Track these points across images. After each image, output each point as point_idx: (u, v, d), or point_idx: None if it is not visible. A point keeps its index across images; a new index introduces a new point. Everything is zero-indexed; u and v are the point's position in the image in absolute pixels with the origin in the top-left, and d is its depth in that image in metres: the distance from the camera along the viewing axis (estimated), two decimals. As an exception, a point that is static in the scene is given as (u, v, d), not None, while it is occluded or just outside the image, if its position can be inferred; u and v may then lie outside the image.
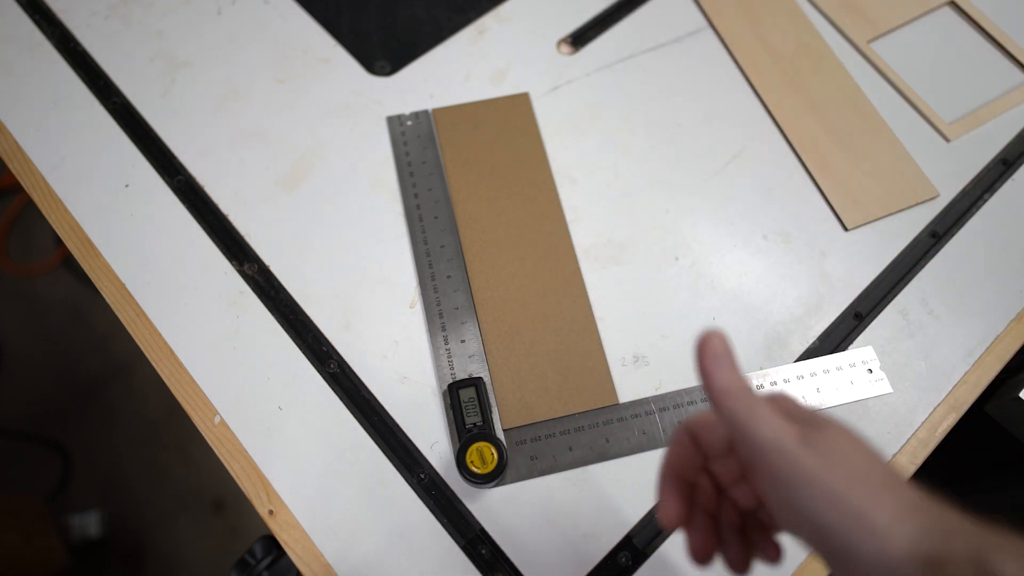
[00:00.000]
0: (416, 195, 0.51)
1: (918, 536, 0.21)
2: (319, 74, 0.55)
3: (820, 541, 0.23)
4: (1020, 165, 0.53)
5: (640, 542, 0.41)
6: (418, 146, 0.52)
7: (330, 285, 0.48)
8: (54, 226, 0.50)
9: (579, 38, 0.57)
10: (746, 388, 0.26)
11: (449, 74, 0.55)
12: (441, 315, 0.46)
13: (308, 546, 0.41)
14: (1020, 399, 0.49)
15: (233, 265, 0.48)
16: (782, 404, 0.27)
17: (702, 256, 0.49)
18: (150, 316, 0.46)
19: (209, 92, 0.54)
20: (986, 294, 0.48)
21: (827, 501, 0.23)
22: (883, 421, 0.44)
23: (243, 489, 0.42)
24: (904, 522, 0.22)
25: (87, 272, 0.48)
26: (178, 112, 0.53)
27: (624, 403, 0.44)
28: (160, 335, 0.46)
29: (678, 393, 0.44)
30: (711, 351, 0.26)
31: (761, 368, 0.46)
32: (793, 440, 0.24)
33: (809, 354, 0.46)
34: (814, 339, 0.47)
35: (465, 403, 0.43)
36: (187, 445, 1.16)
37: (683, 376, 0.45)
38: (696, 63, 0.56)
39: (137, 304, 0.47)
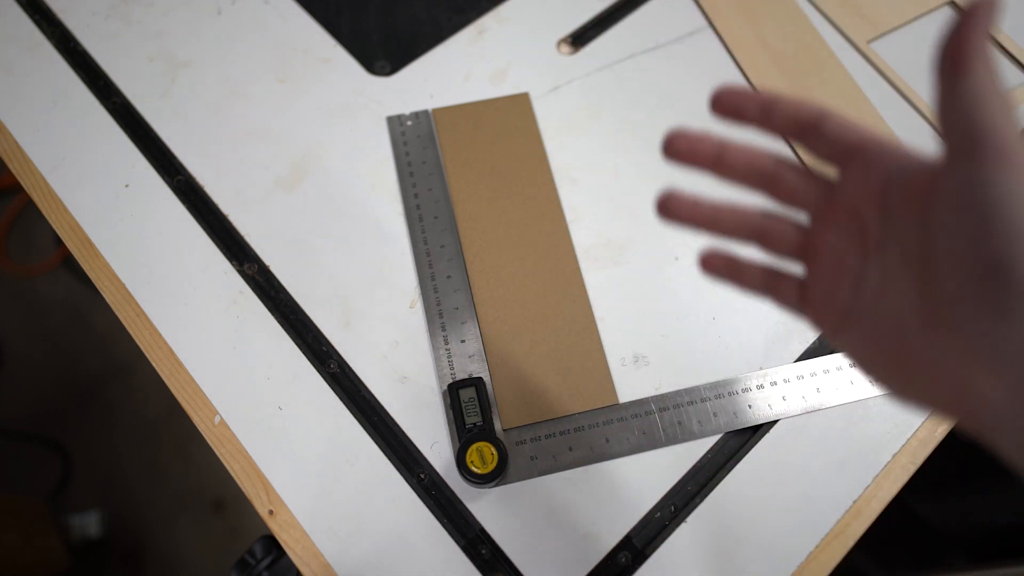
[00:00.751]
0: (416, 195, 0.51)
1: None
2: (319, 74, 0.55)
3: (993, 267, 0.19)
4: (1020, 165, 0.53)
5: (640, 542, 0.41)
6: (418, 146, 0.52)
7: (330, 285, 0.48)
8: (54, 226, 0.50)
9: (579, 38, 0.57)
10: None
11: (449, 74, 0.55)
12: (441, 315, 0.46)
13: (308, 546, 0.41)
14: (1020, 399, 0.49)
15: (233, 265, 0.48)
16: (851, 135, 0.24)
17: (702, 256, 0.49)
18: (150, 316, 0.46)
19: (209, 92, 0.54)
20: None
21: None
22: (883, 421, 0.44)
23: (243, 489, 0.42)
24: None
25: (87, 272, 0.48)
26: (178, 112, 0.53)
27: (624, 403, 0.44)
28: (160, 335, 0.46)
29: (678, 393, 0.44)
30: (985, 16, 0.20)
31: (761, 368, 0.46)
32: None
33: (809, 354, 0.46)
34: (814, 339, 0.47)
35: (465, 403, 0.43)
36: (187, 445, 1.16)
37: (683, 376, 0.45)
38: (696, 63, 0.56)
39: (137, 304, 0.47)
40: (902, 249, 0.23)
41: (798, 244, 0.27)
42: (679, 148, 0.28)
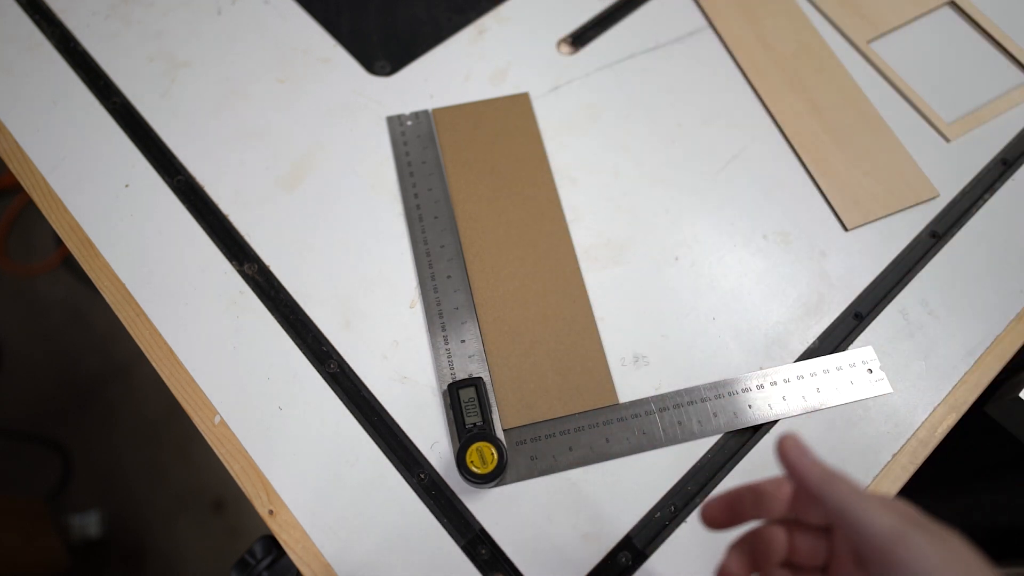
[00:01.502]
0: (416, 195, 0.51)
1: None
2: (319, 74, 0.55)
3: None
4: (1020, 165, 0.53)
5: (640, 542, 0.41)
6: (418, 146, 0.52)
7: (330, 285, 0.48)
8: (54, 226, 0.50)
9: (579, 38, 0.57)
10: (840, 472, 0.26)
11: (449, 74, 0.55)
12: (441, 315, 0.46)
13: (308, 546, 0.41)
14: (1020, 399, 0.49)
15: (233, 265, 0.48)
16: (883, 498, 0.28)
17: (702, 256, 0.49)
18: (150, 316, 0.46)
19: (209, 92, 0.54)
20: (986, 294, 0.48)
21: None
22: (883, 421, 0.44)
23: (243, 489, 0.42)
24: None
25: (87, 272, 0.48)
26: (178, 112, 0.53)
27: (624, 403, 0.44)
28: (160, 335, 0.46)
29: (678, 393, 0.44)
30: (795, 445, 0.27)
31: (761, 368, 0.46)
32: (912, 528, 0.24)
33: (809, 354, 0.46)
34: (814, 339, 0.47)
35: (465, 403, 0.43)
36: (187, 445, 1.16)
37: (683, 376, 0.45)
38: (696, 63, 0.56)
39: (137, 304, 0.47)
40: None
41: (823, 557, 0.29)
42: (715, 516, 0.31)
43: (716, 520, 0.31)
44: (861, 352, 0.46)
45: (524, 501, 0.42)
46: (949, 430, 0.44)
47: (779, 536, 0.29)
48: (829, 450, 0.43)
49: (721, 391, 0.44)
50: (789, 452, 0.27)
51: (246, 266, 0.48)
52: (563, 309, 0.47)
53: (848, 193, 0.51)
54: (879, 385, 0.45)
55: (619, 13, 0.58)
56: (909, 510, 0.26)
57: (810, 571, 0.29)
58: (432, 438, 0.43)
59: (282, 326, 0.46)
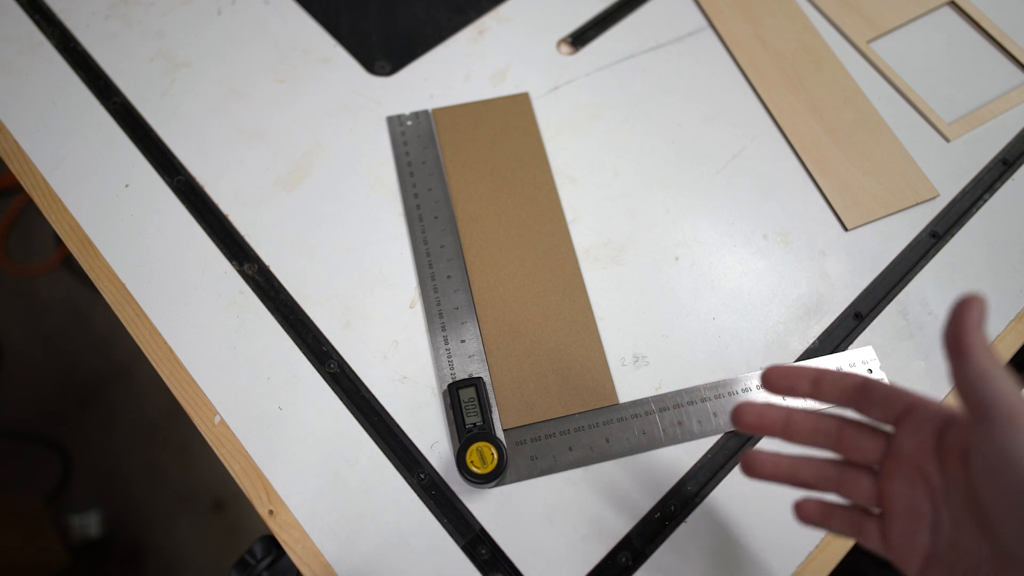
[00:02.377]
0: (416, 195, 0.51)
1: None
2: (319, 74, 0.55)
3: None
4: (1020, 165, 0.53)
5: (640, 542, 0.41)
6: (418, 146, 0.52)
7: (330, 285, 0.48)
8: (54, 226, 0.50)
9: (579, 38, 0.57)
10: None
11: (449, 74, 0.55)
12: (441, 315, 0.46)
13: (308, 546, 0.41)
14: (1020, 399, 0.49)
15: (233, 265, 0.48)
16: (898, 399, 0.28)
17: (702, 256, 0.49)
18: (150, 316, 0.46)
19: (209, 92, 0.54)
20: (986, 294, 0.48)
21: None
22: (883, 421, 0.44)
23: (243, 489, 0.42)
24: None
25: (87, 272, 0.48)
26: (178, 112, 0.53)
27: (624, 403, 0.44)
28: (160, 335, 0.46)
29: (678, 393, 0.44)
30: (976, 312, 0.25)
31: (761, 368, 0.46)
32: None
33: (809, 354, 0.46)
34: (814, 339, 0.47)
35: (465, 403, 0.43)
36: (187, 445, 1.16)
37: (683, 376, 0.45)
38: (696, 63, 0.56)
39: (137, 304, 0.47)
40: (963, 499, 0.25)
41: (874, 493, 0.29)
42: (748, 421, 0.31)
43: (774, 383, 0.30)
44: (861, 352, 0.46)
45: (524, 501, 0.42)
46: None
47: (812, 466, 0.30)
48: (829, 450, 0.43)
49: (721, 391, 0.44)
50: (966, 310, 0.25)
51: (246, 266, 0.48)
52: (563, 309, 0.47)
53: (848, 193, 0.51)
54: (879, 385, 0.45)
55: (619, 13, 0.58)
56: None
57: (860, 468, 0.29)
58: (432, 438, 0.43)
59: (282, 326, 0.46)
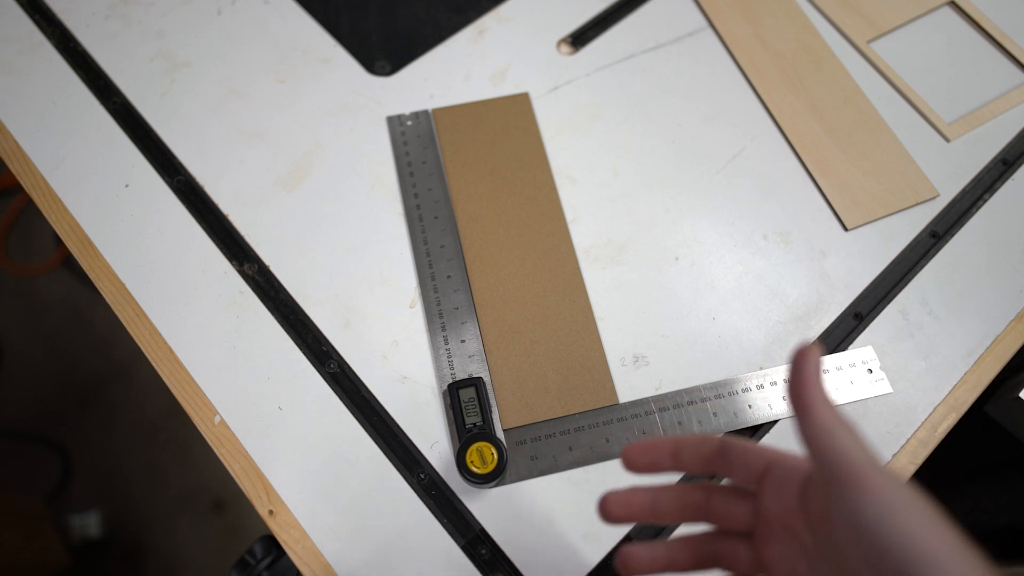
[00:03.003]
0: (416, 195, 0.51)
1: None
2: (319, 74, 0.55)
3: (887, 569, 0.22)
4: (1020, 165, 0.53)
5: (640, 542, 0.41)
6: (418, 146, 0.52)
7: (330, 285, 0.48)
8: (54, 226, 0.50)
9: (579, 38, 0.57)
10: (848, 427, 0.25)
11: (449, 74, 0.55)
12: (441, 315, 0.46)
13: (308, 546, 0.41)
14: (1020, 399, 0.49)
15: (233, 265, 0.48)
16: (754, 457, 0.27)
17: (702, 256, 0.49)
18: (150, 316, 0.46)
19: (209, 92, 0.54)
20: (986, 294, 0.48)
21: (925, 529, 0.22)
22: (883, 421, 0.44)
23: (243, 489, 0.42)
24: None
25: (87, 272, 0.48)
26: (178, 112, 0.53)
27: (624, 403, 0.44)
28: (160, 335, 0.46)
29: (678, 393, 0.44)
30: (812, 363, 0.25)
31: (761, 368, 0.46)
32: (878, 463, 0.23)
33: (809, 354, 0.46)
34: (814, 339, 0.47)
35: (465, 403, 0.43)
36: (187, 445, 1.16)
37: (683, 376, 0.45)
38: (696, 63, 0.56)
39: (137, 304, 0.47)
40: (834, 559, 0.24)
41: (752, 560, 0.28)
42: (615, 513, 0.30)
43: (634, 462, 0.29)
44: (861, 352, 0.46)
45: (524, 501, 0.42)
46: (949, 430, 0.44)
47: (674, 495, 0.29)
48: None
49: (721, 391, 0.44)
50: (804, 363, 0.25)
51: (246, 266, 0.48)
52: (563, 309, 0.47)
53: (848, 193, 0.51)
54: (879, 385, 0.45)
55: (619, 13, 0.58)
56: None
57: (736, 536, 0.29)
58: (432, 438, 0.43)
59: (282, 326, 0.46)
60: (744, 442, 0.28)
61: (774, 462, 0.27)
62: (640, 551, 0.30)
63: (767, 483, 0.27)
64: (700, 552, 0.29)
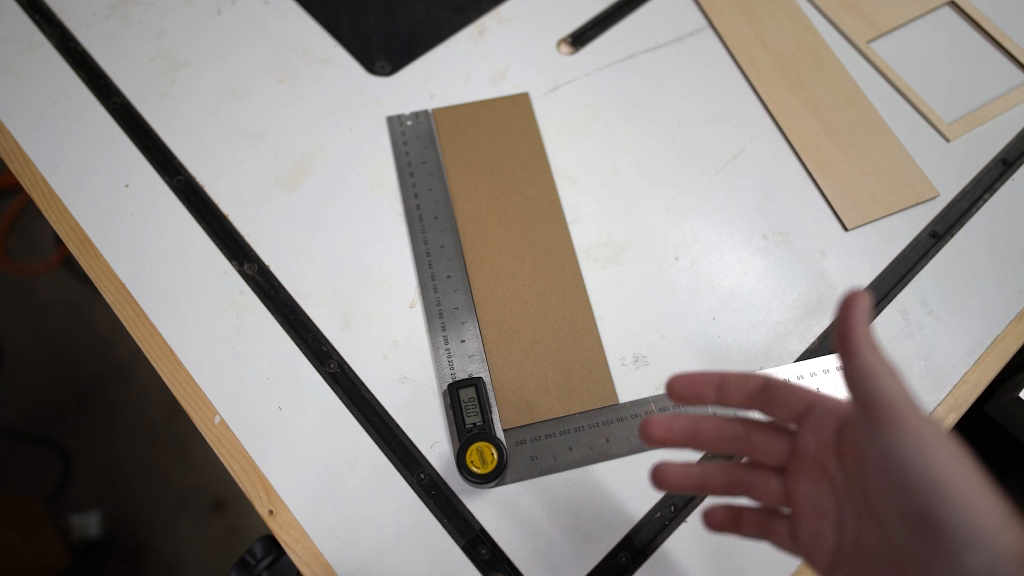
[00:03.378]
0: (416, 195, 0.51)
1: None
2: (319, 74, 0.55)
3: (918, 518, 0.22)
4: (1020, 165, 0.53)
5: (640, 542, 0.41)
6: (418, 146, 0.52)
7: (330, 285, 0.48)
8: (54, 226, 0.50)
9: (579, 38, 0.57)
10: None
11: (449, 74, 0.55)
12: (441, 315, 0.46)
13: (308, 546, 0.41)
14: (1020, 399, 0.49)
15: (233, 265, 0.48)
16: (798, 398, 0.28)
17: (702, 256, 0.49)
18: (150, 316, 0.46)
19: (209, 92, 0.54)
20: (986, 294, 0.48)
21: (953, 469, 0.22)
22: (883, 421, 0.44)
23: (243, 489, 0.42)
24: (1015, 521, 0.22)
25: (87, 272, 0.48)
26: (178, 112, 0.53)
27: (624, 403, 0.44)
28: (160, 335, 0.46)
29: (678, 393, 0.44)
30: (861, 308, 0.26)
31: (761, 368, 0.46)
32: (916, 403, 0.24)
33: (809, 354, 0.46)
34: (814, 339, 0.47)
35: (465, 403, 0.43)
36: (187, 445, 1.16)
37: (683, 376, 0.45)
38: (696, 63, 0.56)
39: (137, 304, 0.47)
40: (861, 496, 0.25)
41: (782, 493, 0.29)
42: (657, 435, 0.30)
43: (679, 392, 0.30)
44: (861, 352, 0.46)
45: (524, 501, 0.42)
46: (949, 430, 0.44)
47: (719, 472, 0.30)
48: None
49: (721, 391, 0.44)
50: (853, 306, 0.26)
51: (246, 266, 0.48)
52: (563, 309, 0.47)
53: (848, 193, 0.51)
54: (879, 385, 0.45)
55: (619, 13, 0.58)
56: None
57: (774, 514, 0.29)
58: (432, 438, 0.43)
59: (282, 326, 0.46)
60: (788, 382, 0.29)
61: (815, 403, 0.28)
62: (674, 467, 0.31)
63: (807, 421, 0.28)
64: (732, 478, 0.30)
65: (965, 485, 0.22)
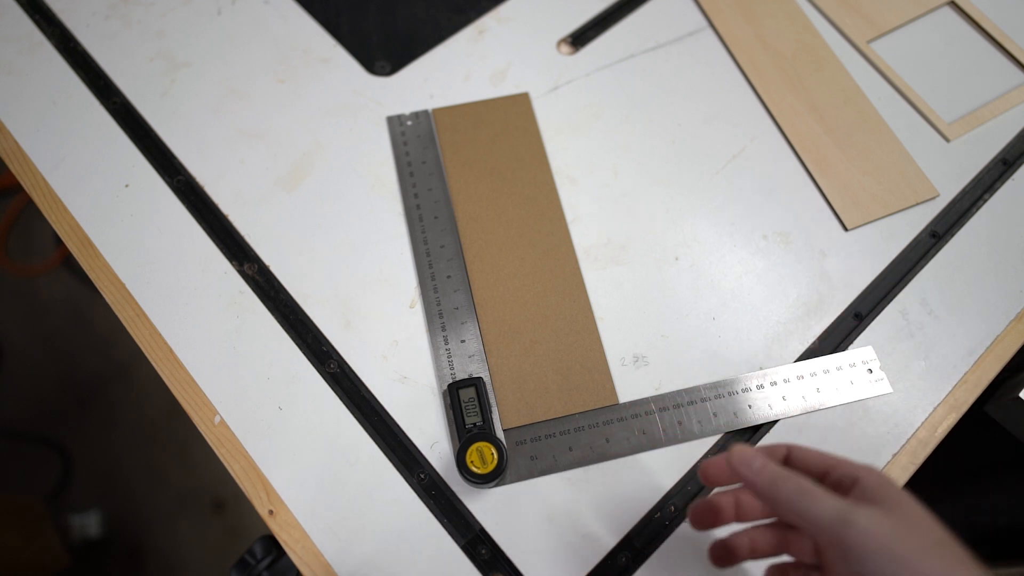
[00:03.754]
0: (416, 195, 0.51)
1: None
2: (319, 74, 0.55)
3: None
4: (1020, 165, 0.53)
5: (640, 542, 0.41)
6: (418, 146, 0.52)
7: (330, 285, 0.48)
8: (54, 226, 0.50)
9: (579, 38, 0.57)
10: (787, 472, 0.27)
11: (449, 74, 0.55)
12: (441, 315, 0.46)
13: (308, 546, 0.41)
14: (1020, 399, 0.49)
15: (233, 265, 0.48)
16: (816, 461, 0.29)
17: (702, 256, 0.49)
18: (150, 316, 0.46)
19: (209, 92, 0.54)
20: (986, 294, 0.48)
21: (902, 567, 0.23)
22: (883, 421, 0.44)
23: (243, 489, 0.42)
24: None
25: (87, 272, 0.48)
26: (178, 112, 0.53)
27: (624, 403, 0.44)
28: (160, 335, 0.46)
29: (678, 393, 0.44)
30: (740, 458, 0.28)
31: (761, 368, 0.46)
32: (857, 508, 0.25)
33: (809, 354, 0.46)
34: (814, 339, 0.47)
35: (465, 403, 0.43)
36: (187, 445, 1.16)
37: (683, 376, 0.45)
38: (696, 63, 0.56)
39: (137, 304, 0.47)
40: None
41: (814, 548, 0.30)
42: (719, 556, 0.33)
43: (703, 520, 0.32)
44: (861, 352, 0.46)
45: (524, 501, 0.42)
46: (949, 430, 0.44)
47: (760, 535, 0.31)
48: (829, 450, 0.43)
49: (721, 391, 0.44)
50: (737, 465, 0.28)
51: (246, 266, 0.48)
52: (563, 309, 0.47)
53: (848, 193, 0.51)
54: (879, 385, 0.45)
55: (619, 13, 0.58)
56: (872, 477, 0.27)
57: (809, 569, 0.30)
58: (432, 438, 0.43)
59: (282, 326, 0.46)
60: (808, 450, 0.31)
61: (828, 471, 0.30)
62: (736, 538, 0.32)
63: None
64: (775, 539, 0.31)
65: (934, 565, 0.23)
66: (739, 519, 0.32)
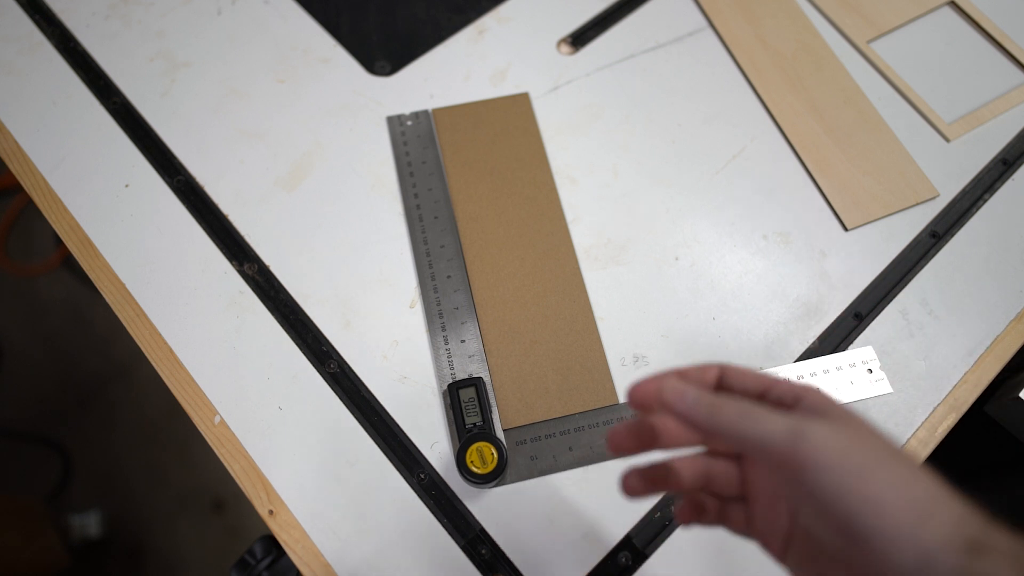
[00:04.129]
0: (416, 195, 0.51)
1: (958, 519, 0.21)
2: (319, 74, 0.55)
3: (843, 530, 0.22)
4: (1020, 165, 0.53)
5: (640, 542, 0.41)
6: (418, 146, 0.52)
7: (330, 285, 0.48)
8: (54, 226, 0.50)
9: (579, 38, 0.57)
10: (724, 398, 0.25)
11: (449, 74, 0.55)
12: (441, 315, 0.46)
13: (308, 546, 0.41)
14: (1020, 399, 0.49)
15: (233, 265, 0.48)
16: (753, 382, 0.27)
17: (702, 256, 0.49)
18: (150, 316, 0.46)
19: (209, 92, 0.54)
20: (986, 294, 0.48)
21: (857, 479, 0.22)
22: (883, 421, 0.44)
23: (243, 489, 0.42)
24: (940, 505, 0.21)
25: (87, 272, 0.48)
26: (178, 112, 0.53)
27: (624, 403, 0.44)
28: (160, 335, 0.46)
29: (678, 393, 0.44)
30: (672, 395, 0.26)
31: (761, 368, 0.46)
32: (808, 421, 0.24)
33: (809, 354, 0.46)
34: (814, 339, 0.47)
35: (465, 403, 0.43)
36: (187, 445, 1.16)
37: (683, 376, 0.45)
38: (696, 63, 0.56)
39: (137, 304, 0.47)
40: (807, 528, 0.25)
41: (739, 480, 0.29)
42: (634, 486, 0.30)
43: (621, 446, 0.30)
44: (861, 352, 0.46)
45: (524, 501, 0.42)
46: (949, 430, 0.44)
47: (686, 467, 0.30)
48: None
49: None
50: (670, 402, 0.26)
51: (246, 266, 0.48)
52: (563, 309, 0.47)
53: (848, 193, 0.51)
54: (879, 385, 0.45)
55: (619, 13, 0.58)
56: (814, 396, 0.26)
57: (730, 500, 0.29)
58: (432, 438, 0.43)
59: (282, 326, 0.46)
60: (741, 369, 0.29)
61: (769, 389, 0.28)
62: (644, 469, 0.30)
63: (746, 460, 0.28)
64: (695, 472, 0.30)
65: (876, 488, 0.22)
66: (664, 445, 0.29)
